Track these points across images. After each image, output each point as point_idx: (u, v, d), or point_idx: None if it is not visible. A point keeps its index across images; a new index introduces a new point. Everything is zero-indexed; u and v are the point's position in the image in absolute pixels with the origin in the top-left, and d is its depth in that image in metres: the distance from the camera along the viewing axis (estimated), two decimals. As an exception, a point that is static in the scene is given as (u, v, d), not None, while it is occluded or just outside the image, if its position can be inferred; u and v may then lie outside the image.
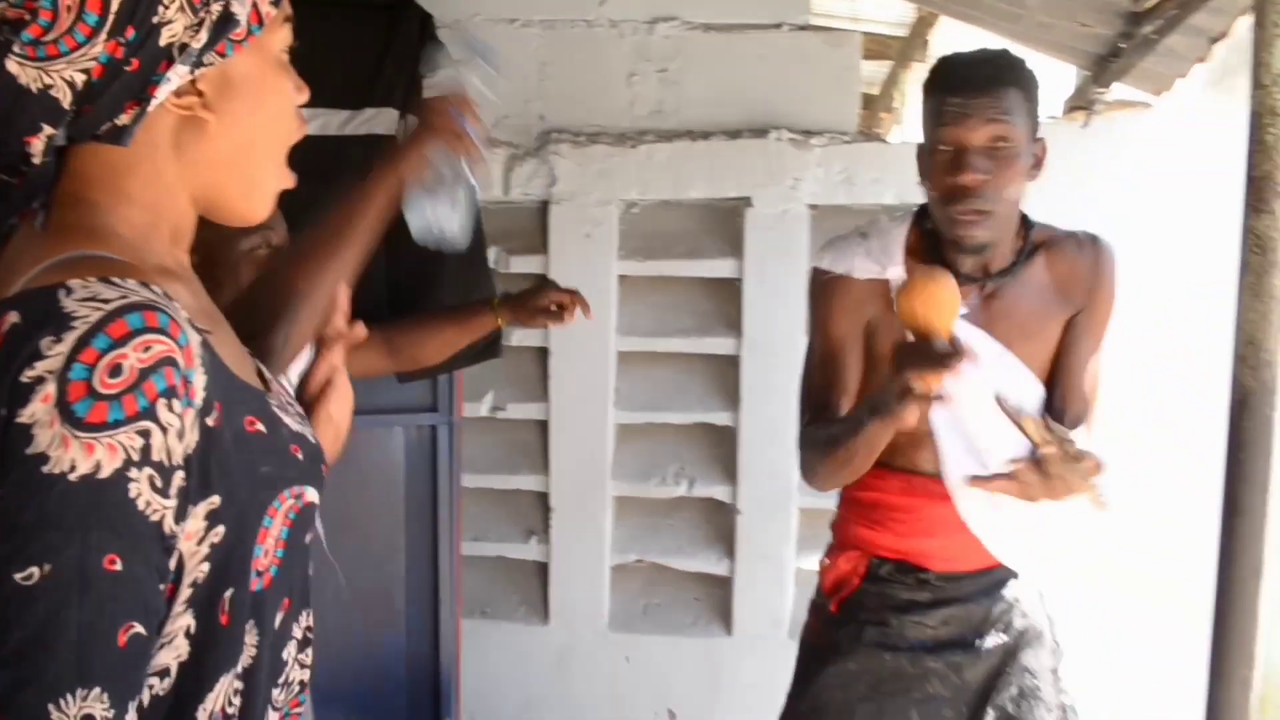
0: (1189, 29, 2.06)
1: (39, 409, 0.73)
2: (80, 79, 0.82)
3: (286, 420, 0.93)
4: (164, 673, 0.82)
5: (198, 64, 0.87)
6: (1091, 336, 1.77)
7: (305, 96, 0.96)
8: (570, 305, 2.06)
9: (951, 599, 1.79)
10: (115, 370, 0.75)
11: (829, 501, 2.93)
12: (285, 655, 0.95)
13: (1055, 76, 2.86)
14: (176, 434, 0.77)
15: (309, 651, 0.99)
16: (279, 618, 0.92)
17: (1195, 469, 2.18)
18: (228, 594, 0.85)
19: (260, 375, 0.97)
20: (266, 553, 0.88)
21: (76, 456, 0.73)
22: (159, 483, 0.76)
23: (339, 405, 1.10)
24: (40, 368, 0.74)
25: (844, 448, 1.63)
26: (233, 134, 0.91)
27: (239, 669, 0.87)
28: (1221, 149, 2.18)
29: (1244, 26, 1.95)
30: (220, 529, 0.83)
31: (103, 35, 0.82)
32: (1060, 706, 1.82)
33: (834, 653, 1.81)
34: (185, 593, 0.82)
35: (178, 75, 0.86)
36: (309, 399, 1.08)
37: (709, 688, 3.05)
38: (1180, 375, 2.58)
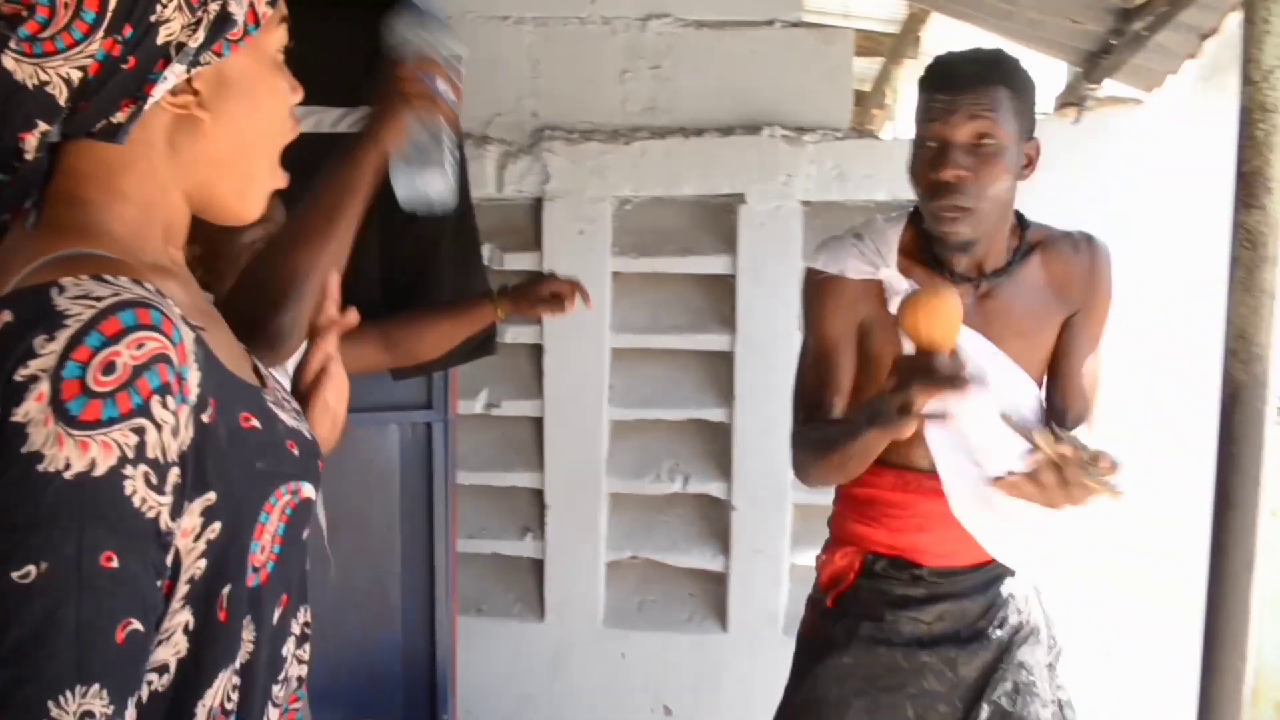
0: (1180, 25, 2.07)
1: (33, 407, 0.73)
2: (77, 76, 0.82)
3: (282, 416, 0.93)
4: (163, 669, 0.83)
5: (194, 63, 0.87)
6: (1089, 336, 1.77)
7: (300, 96, 0.96)
8: (570, 294, 2.06)
9: (946, 594, 1.80)
10: (109, 368, 0.75)
11: (824, 497, 2.94)
12: (284, 651, 0.95)
13: (1047, 73, 2.86)
14: (171, 431, 0.77)
15: (307, 647, 0.99)
16: (277, 613, 0.93)
17: (1190, 465, 2.19)
18: (225, 590, 0.85)
19: (256, 371, 0.97)
20: (263, 548, 0.89)
21: (71, 454, 0.73)
22: (154, 479, 0.77)
23: (335, 393, 1.10)
24: (34, 366, 0.74)
25: (839, 452, 1.63)
26: (228, 133, 0.91)
27: (237, 665, 0.88)
28: (1212, 145, 2.19)
29: (1234, 22, 1.96)
30: (217, 525, 0.83)
31: (100, 33, 0.82)
32: (1056, 702, 1.83)
33: (830, 647, 1.82)
34: (183, 589, 0.83)
35: (174, 74, 0.86)
36: (305, 389, 1.08)
37: (704, 684, 3.06)
38: (1174, 371, 2.59)
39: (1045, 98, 2.80)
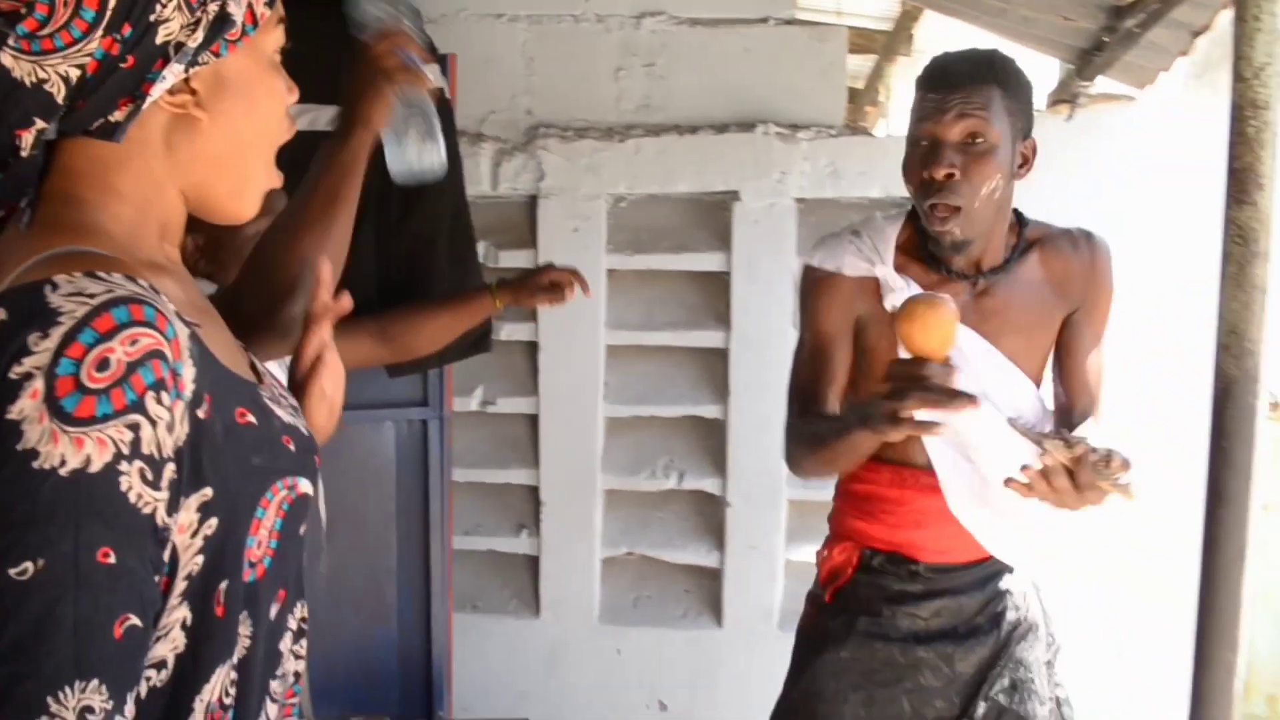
0: (1171, 23, 2.07)
1: (28, 405, 0.73)
2: (75, 74, 0.83)
3: (278, 412, 0.93)
4: (161, 665, 0.83)
5: (192, 63, 0.87)
6: (1092, 332, 1.78)
7: (296, 97, 0.96)
8: (569, 283, 2.07)
9: (943, 590, 1.81)
10: (103, 364, 0.75)
11: (818, 494, 2.95)
12: (281, 646, 0.95)
13: (1039, 70, 2.87)
14: (166, 426, 0.78)
15: (304, 643, 0.99)
16: (274, 609, 0.93)
17: (1182, 461, 2.19)
18: (222, 586, 0.85)
19: (253, 368, 0.98)
20: (260, 544, 0.89)
21: (66, 451, 0.74)
22: (150, 475, 0.77)
23: (331, 381, 1.09)
24: (28, 364, 0.74)
25: (829, 448, 1.65)
26: (224, 133, 0.91)
27: (235, 660, 0.88)
28: (1204, 141, 2.19)
29: (1225, 20, 1.97)
30: (213, 521, 0.83)
31: (99, 31, 0.82)
32: (1054, 699, 1.83)
33: (827, 642, 1.83)
34: (180, 586, 0.83)
35: (173, 74, 0.86)
36: (301, 378, 1.08)
37: (700, 679, 3.06)
38: (1166, 367, 2.60)
39: (1038, 95, 2.81)
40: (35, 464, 0.73)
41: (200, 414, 0.81)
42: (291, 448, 0.93)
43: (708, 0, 2.92)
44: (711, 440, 3.01)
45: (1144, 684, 2.77)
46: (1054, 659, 1.86)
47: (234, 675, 0.88)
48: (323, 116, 2.37)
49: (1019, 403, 1.67)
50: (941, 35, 4.14)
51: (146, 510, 0.77)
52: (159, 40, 0.84)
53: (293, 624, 0.97)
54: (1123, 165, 2.74)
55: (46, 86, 0.82)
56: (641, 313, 2.99)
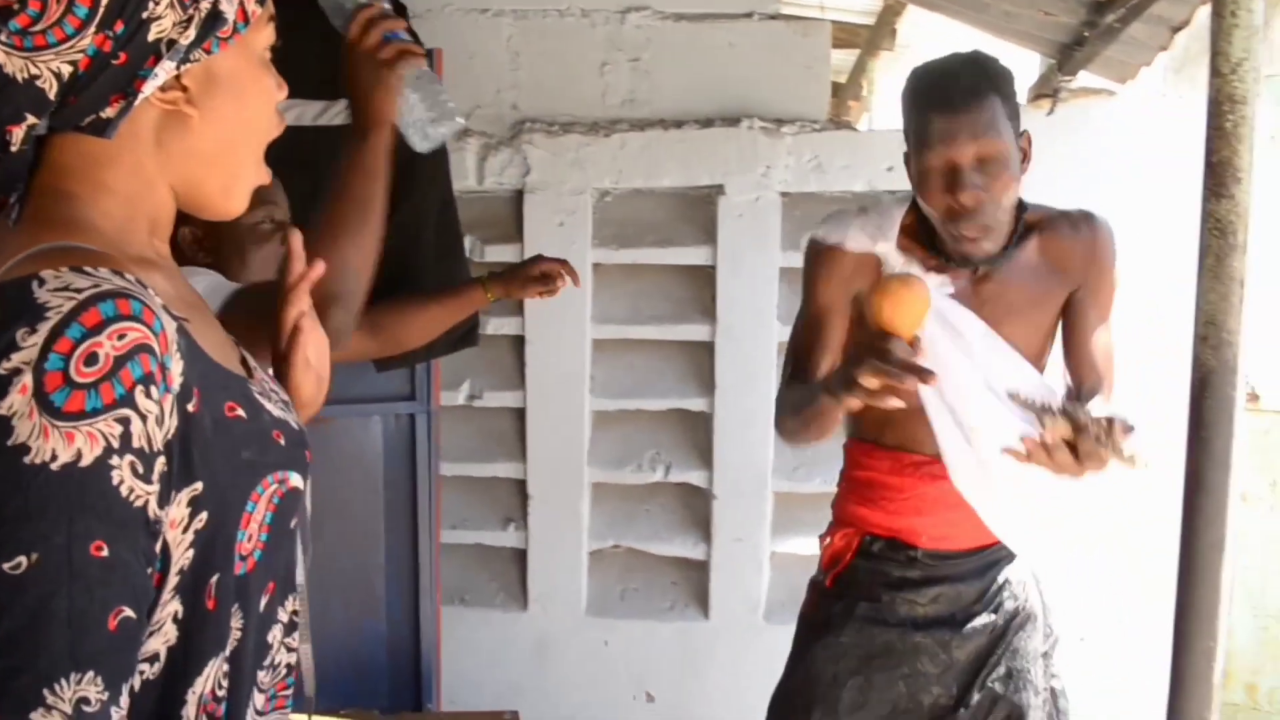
0: (1150, 18, 2.09)
1: (17, 400, 0.74)
2: (67, 70, 0.83)
3: (269, 406, 0.93)
4: (154, 658, 0.83)
5: (184, 60, 0.87)
6: (1097, 310, 1.78)
7: (286, 94, 0.97)
8: (559, 274, 2.08)
9: (942, 577, 1.82)
10: (91, 359, 0.75)
11: (803, 486, 2.98)
12: (270, 638, 0.96)
13: (1020, 65, 2.89)
14: (155, 420, 0.78)
15: (295, 635, 1.00)
16: (263, 601, 0.93)
17: (1165, 451, 2.21)
18: (214, 579, 0.86)
19: (244, 363, 0.98)
20: (250, 537, 0.89)
21: (57, 446, 0.74)
22: (140, 469, 0.77)
23: (315, 350, 1.09)
24: (16, 359, 0.74)
25: (804, 414, 1.67)
26: (215, 130, 0.91)
27: (226, 652, 0.88)
28: (1184, 135, 2.22)
29: (1204, 15, 1.99)
30: (204, 515, 0.84)
31: (92, 28, 0.82)
32: (1049, 690, 1.85)
33: (827, 627, 1.84)
34: (172, 579, 0.83)
35: (164, 71, 0.86)
36: (282, 350, 1.08)
37: (687, 671, 3.08)
38: (1147, 357, 2.62)
39: (1019, 90, 2.84)
40: (26, 459, 0.73)
41: (189, 408, 0.81)
42: (282, 442, 0.93)
43: (692, -5, 2.93)
44: (697, 433, 3.02)
45: (1122, 668, 2.80)
46: (1051, 650, 1.88)
47: (226, 667, 0.88)
48: (310, 111, 2.37)
49: (1020, 386, 1.69)
50: (924, 30, 4.16)
51: (138, 503, 0.77)
52: (151, 37, 0.84)
53: (283, 616, 0.98)
54: (1103, 159, 2.76)
55: (38, 82, 0.82)
56: (627, 307, 2.99)
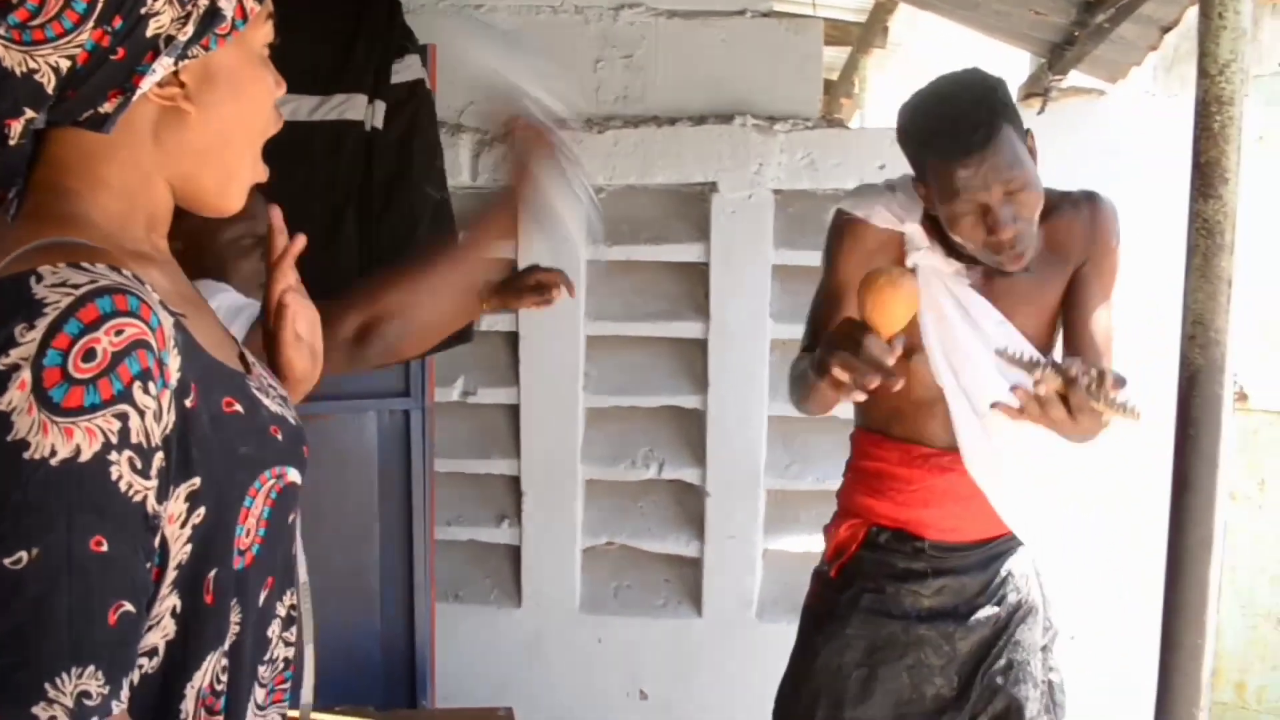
0: (1140, 18, 2.10)
1: (16, 396, 0.74)
2: (65, 65, 0.83)
3: (266, 402, 0.94)
4: (152, 652, 0.84)
5: (182, 56, 0.87)
6: (1099, 288, 1.78)
7: (284, 91, 0.97)
8: (555, 285, 2.08)
9: (947, 569, 1.83)
10: (89, 355, 0.76)
11: (796, 483, 2.99)
12: (270, 633, 0.96)
13: (1011, 64, 2.90)
14: (154, 416, 0.78)
15: (294, 630, 1.01)
16: (262, 596, 0.94)
17: (1152, 449, 2.22)
18: (212, 574, 0.86)
19: (242, 358, 0.98)
20: (248, 532, 0.90)
21: (56, 441, 0.74)
22: (139, 464, 0.78)
23: (304, 324, 1.09)
24: (14, 355, 0.75)
25: (802, 388, 1.68)
26: (212, 126, 0.91)
27: (225, 646, 0.89)
28: (1174, 134, 2.23)
29: (1194, 15, 2.00)
30: (201, 510, 0.84)
31: (90, 23, 0.82)
32: (1046, 683, 1.86)
33: (831, 618, 1.85)
34: (171, 574, 0.84)
35: (162, 66, 0.86)
36: (270, 326, 1.08)
37: (680, 667, 3.09)
38: (1139, 357, 2.63)
39: (1010, 89, 2.85)
40: (26, 454, 0.74)
41: (187, 403, 0.82)
42: (279, 437, 0.94)
43: (685, -7, 2.94)
44: (691, 430, 3.03)
45: (1111, 667, 2.81)
46: (1050, 644, 1.89)
47: (225, 662, 0.89)
48: (304, 106, 2.38)
49: (1008, 343, 1.69)
50: (915, 27, 4.17)
51: (137, 498, 0.78)
52: (149, 33, 0.85)
53: (281, 611, 0.98)
54: (1094, 158, 2.77)
55: (36, 76, 0.83)
56: (621, 304, 3.00)
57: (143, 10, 0.84)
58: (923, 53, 4.46)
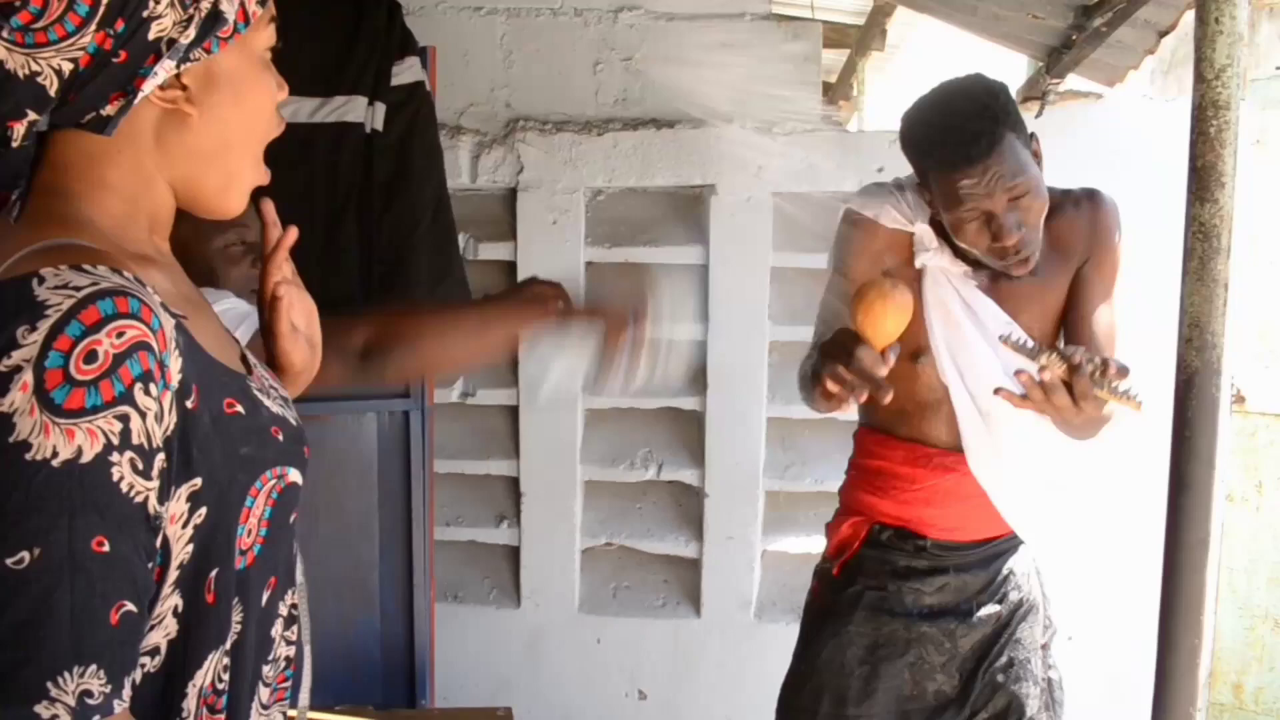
0: (1138, 22, 2.10)
1: (18, 397, 0.75)
2: (68, 67, 0.83)
3: (267, 403, 0.94)
4: (154, 651, 0.85)
5: (184, 59, 0.88)
6: (1100, 285, 1.79)
7: (286, 94, 0.98)
8: (553, 299, 2.08)
9: (949, 567, 1.84)
10: (90, 356, 0.76)
11: (794, 484, 2.99)
12: (273, 633, 0.97)
13: (1009, 67, 2.91)
14: (155, 417, 0.79)
15: (295, 629, 1.01)
16: (265, 596, 0.94)
17: (1149, 452, 2.23)
18: (213, 573, 0.87)
19: (243, 359, 0.99)
20: (250, 532, 0.90)
21: (58, 442, 0.75)
22: (140, 465, 0.78)
23: (301, 316, 1.09)
24: (17, 357, 0.75)
25: (809, 388, 1.69)
26: (214, 129, 0.92)
27: (227, 646, 0.89)
28: (1172, 137, 2.23)
29: (1191, 20, 2.00)
30: (203, 510, 0.85)
31: (93, 26, 0.83)
32: (1046, 681, 1.87)
33: (833, 615, 1.86)
34: (172, 574, 0.84)
35: (164, 69, 0.87)
36: (266, 319, 1.08)
37: (679, 668, 3.09)
38: (1136, 360, 2.64)
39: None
40: (28, 455, 0.74)
41: (188, 404, 0.82)
42: (280, 438, 0.94)
43: (684, -5, 2.94)
44: (689, 432, 3.03)
45: (1108, 669, 2.82)
46: (1050, 642, 1.90)
47: (226, 661, 0.90)
48: (305, 108, 2.38)
49: (1011, 331, 1.69)
50: (913, 30, 4.17)
51: (138, 499, 0.78)
52: (151, 36, 0.85)
53: (283, 610, 0.99)
54: (1091, 161, 2.77)
55: (39, 79, 0.83)
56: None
57: (145, 13, 0.84)
58: (921, 56, 4.48)
